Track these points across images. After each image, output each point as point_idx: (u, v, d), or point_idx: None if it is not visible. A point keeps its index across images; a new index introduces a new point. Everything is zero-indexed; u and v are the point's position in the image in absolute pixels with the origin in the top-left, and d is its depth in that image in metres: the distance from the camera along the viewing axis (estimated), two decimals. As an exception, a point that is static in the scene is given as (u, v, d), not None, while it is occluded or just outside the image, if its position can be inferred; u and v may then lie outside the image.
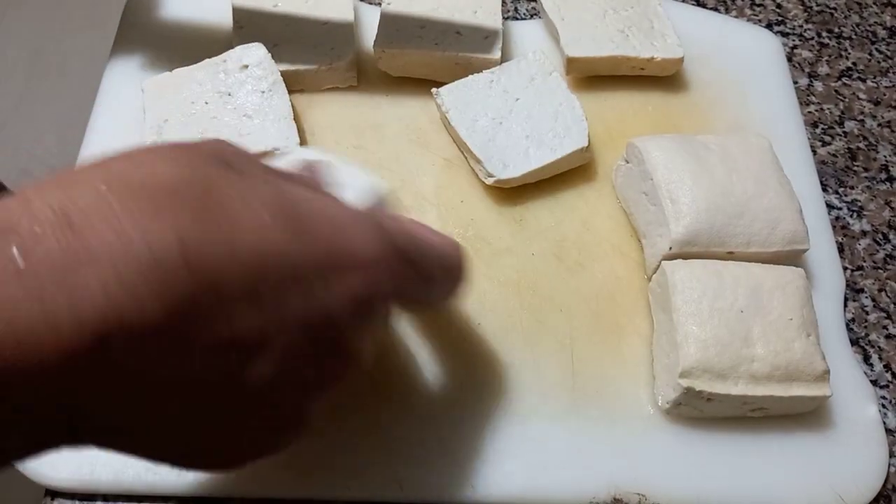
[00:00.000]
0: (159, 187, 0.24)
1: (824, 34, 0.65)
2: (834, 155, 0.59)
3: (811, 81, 0.63)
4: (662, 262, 0.47)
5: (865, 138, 0.60)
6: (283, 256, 0.26)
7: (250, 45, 0.53)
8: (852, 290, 0.52)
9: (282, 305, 0.26)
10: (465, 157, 0.53)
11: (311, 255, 0.27)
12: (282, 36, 0.55)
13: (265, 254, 0.26)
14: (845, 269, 0.53)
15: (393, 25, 0.56)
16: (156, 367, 0.24)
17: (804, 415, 0.45)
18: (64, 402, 0.23)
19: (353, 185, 0.37)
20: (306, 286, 0.27)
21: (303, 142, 0.52)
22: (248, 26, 0.56)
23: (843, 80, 0.63)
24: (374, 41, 0.55)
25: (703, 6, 0.66)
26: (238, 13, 0.56)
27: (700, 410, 0.44)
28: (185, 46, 0.57)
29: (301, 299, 0.27)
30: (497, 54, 0.55)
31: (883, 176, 0.58)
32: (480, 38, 0.55)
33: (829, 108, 0.61)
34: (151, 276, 0.23)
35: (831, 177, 0.57)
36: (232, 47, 0.54)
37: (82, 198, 0.23)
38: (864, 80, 0.63)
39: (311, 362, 0.28)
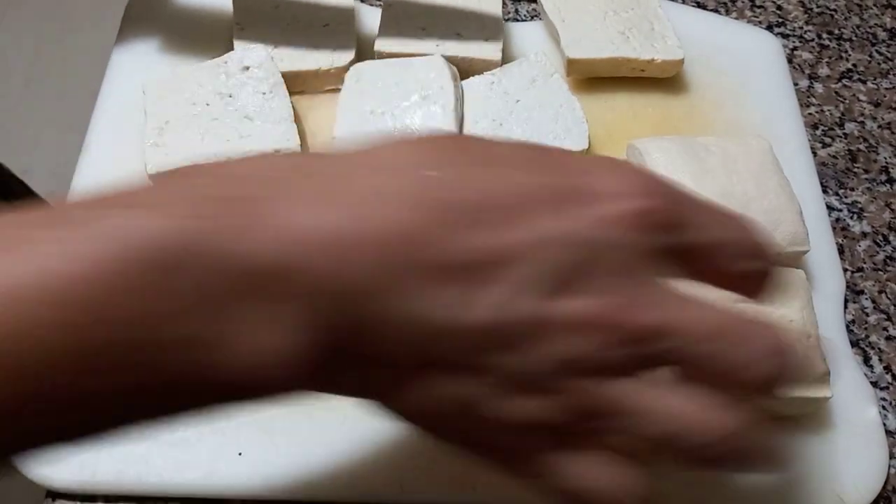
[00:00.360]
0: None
1: (825, 36, 0.66)
2: (834, 156, 0.59)
3: (811, 83, 0.63)
4: None
5: (866, 140, 0.60)
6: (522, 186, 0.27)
7: (251, 46, 0.53)
8: (852, 292, 0.52)
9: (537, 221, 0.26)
10: (466, 159, 0.53)
11: (554, 182, 0.27)
12: (283, 37, 0.55)
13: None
14: (845, 270, 0.53)
15: (394, 27, 0.56)
16: None
17: (804, 416, 0.45)
18: None
19: None
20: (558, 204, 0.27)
21: (304, 144, 0.52)
22: (249, 27, 0.56)
23: (844, 81, 0.63)
24: (375, 43, 0.55)
25: (704, 8, 0.66)
26: (239, 14, 0.56)
27: None
28: (186, 47, 0.57)
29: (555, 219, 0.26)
30: (498, 56, 0.55)
31: (883, 178, 0.58)
32: (481, 40, 0.56)
33: (829, 110, 0.61)
34: None
35: (831, 178, 0.58)
36: (233, 48, 0.55)
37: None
38: (864, 82, 0.63)
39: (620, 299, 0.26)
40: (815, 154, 0.58)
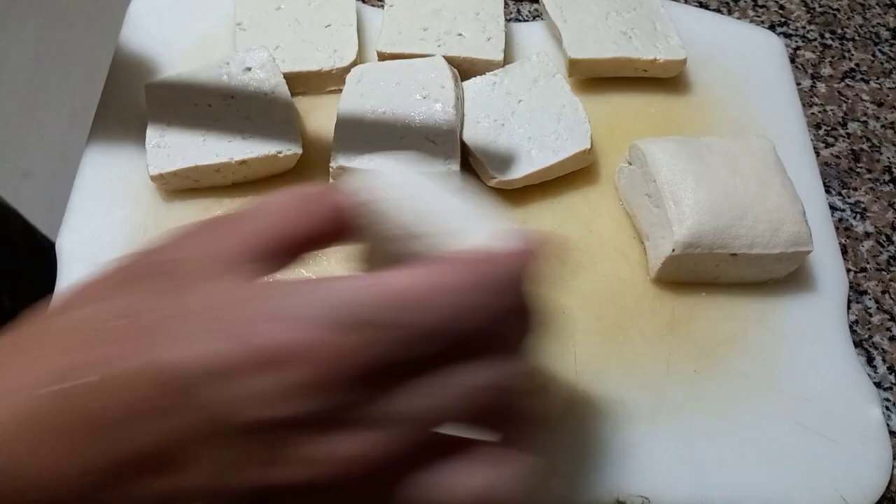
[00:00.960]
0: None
1: (827, 35, 0.65)
2: (837, 156, 0.58)
3: (814, 83, 0.62)
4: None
5: (869, 140, 0.59)
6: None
7: (253, 47, 0.53)
8: (856, 292, 0.52)
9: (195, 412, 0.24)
10: (468, 159, 0.52)
11: (183, 360, 0.24)
12: (284, 38, 0.55)
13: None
14: (848, 270, 0.53)
15: (396, 28, 0.56)
16: None
17: (805, 417, 0.45)
18: None
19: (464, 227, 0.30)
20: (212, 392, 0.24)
21: (305, 144, 0.52)
22: (251, 28, 0.56)
23: (847, 81, 0.63)
24: (378, 44, 0.55)
25: (706, 7, 0.65)
26: (241, 15, 0.56)
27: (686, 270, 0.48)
28: (188, 49, 0.57)
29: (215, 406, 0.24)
30: (500, 56, 0.55)
31: (886, 177, 0.58)
32: (483, 41, 0.55)
33: (832, 110, 0.61)
34: None
35: (834, 178, 0.57)
36: (235, 49, 0.55)
37: None
38: (867, 82, 0.63)
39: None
40: (817, 154, 0.58)
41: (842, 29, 0.66)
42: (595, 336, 0.47)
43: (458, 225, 0.30)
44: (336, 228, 0.30)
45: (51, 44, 1.67)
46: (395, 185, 0.31)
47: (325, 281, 0.26)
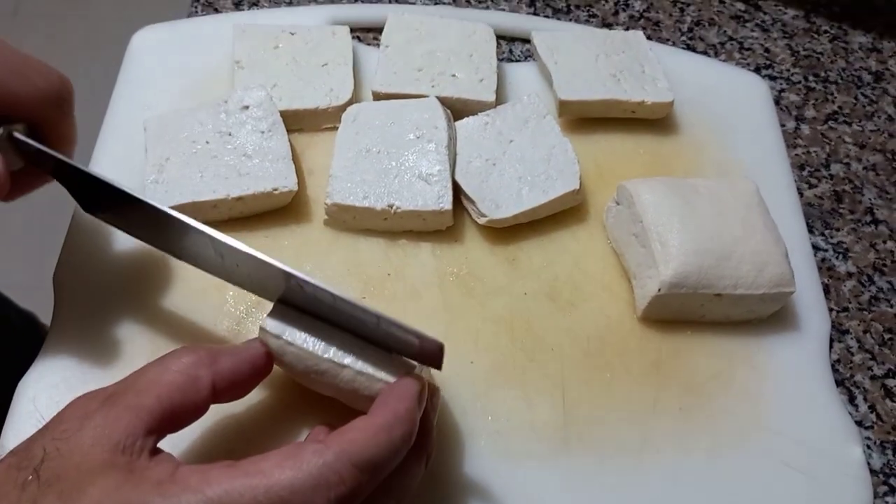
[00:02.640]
0: None
1: (811, 78, 0.67)
2: (820, 197, 0.60)
3: (798, 124, 0.64)
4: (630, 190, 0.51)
5: (851, 181, 0.61)
6: None
7: (251, 86, 0.54)
8: (838, 332, 0.53)
9: None
10: (460, 197, 0.54)
11: None
12: (282, 76, 0.57)
13: None
14: (831, 310, 0.54)
15: (391, 68, 0.57)
16: None
17: (788, 455, 0.46)
18: None
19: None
20: None
21: (301, 181, 0.53)
22: (249, 66, 0.57)
23: (830, 123, 0.64)
24: (373, 83, 0.56)
25: (693, 50, 0.67)
26: (240, 53, 0.57)
27: (672, 309, 0.49)
28: (187, 85, 0.58)
29: None
30: (492, 97, 0.56)
31: (868, 218, 0.59)
32: (476, 82, 0.57)
33: (815, 151, 0.63)
34: None
35: (817, 219, 0.59)
36: (233, 87, 0.56)
37: None
38: (849, 124, 0.64)
39: None
40: (801, 194, 0.59)
41: (825, 72, 0.68)
42: (583, 373, 0.48)
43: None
44: (220, 395, 0.36)
45: None
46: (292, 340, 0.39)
47: (194, 479, 0.31)
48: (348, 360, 0.39)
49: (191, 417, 0.35)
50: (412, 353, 0.39)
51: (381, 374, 0.39)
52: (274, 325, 0.39)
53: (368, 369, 0.39)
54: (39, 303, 0.50)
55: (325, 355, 0.39)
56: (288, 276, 0.38)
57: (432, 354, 0.38)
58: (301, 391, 0.43)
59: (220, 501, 0.30)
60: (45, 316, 0.49)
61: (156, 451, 0.33)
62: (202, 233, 0.40)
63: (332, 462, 0.32)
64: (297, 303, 0.40)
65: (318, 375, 0.39)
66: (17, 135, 0.40)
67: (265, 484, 0.31)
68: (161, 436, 0.34)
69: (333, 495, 0.31)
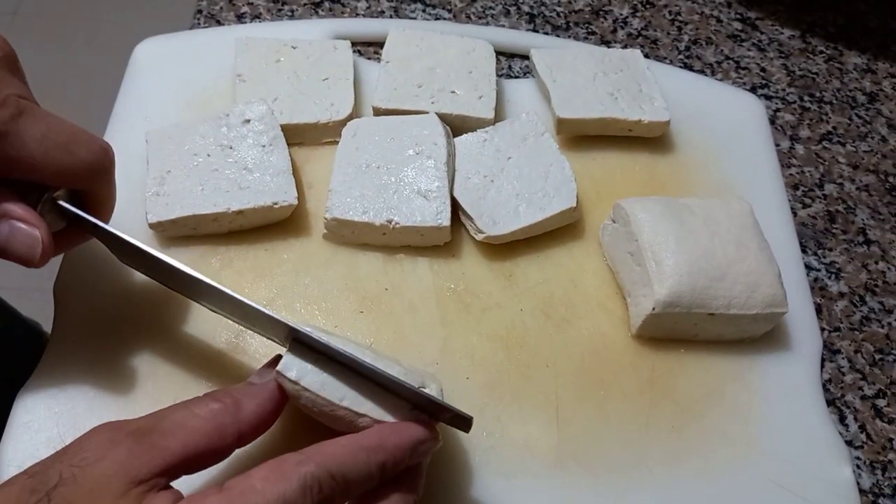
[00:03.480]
0: None
1: (806, 98, 0.68)
2: (814, 217, 0.61)
3: (793, 144, 0.65)
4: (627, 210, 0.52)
5: (844, 201, 0.62)
6: None
7: (252, 100, 0.54)
8: (829, 351, 0.54)
9: None
10: (458, 213, 0.54)
11: None
12: (283, 90, 0.57)
13: None
14: (823, 330, 0.54)
15: (391, 84, 0.58)
16: None
17: (778, 475, 0.47)
18: None
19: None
20: None
21: (301, 195, 0.53)
22: (250, 80, 0.58)
23: (824, 143, 0.65)
24: (373, 99, 0.57)
25: (690, 69, 0.68)
26: (241, 67, 0.58)
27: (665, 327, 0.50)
28: (188, 98, 0.59)
29: None
30: (491, 114, 0.57)
31: (861, 239, 0.60)
32: (475, 99, 0.58)
33: (809, 171, 0.63)
34: None
35: (810, 238, 0.59)
36: (235, 101, 0.56)
37: None
38: (843, 144, 0.65)
39: None
40: (795, 214, 0.60)
41: (820, 92, 0.68)
42: (577, 390, 0.49)
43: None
44: (244, 439, 0.37)
45: (52, 91, 1.68)
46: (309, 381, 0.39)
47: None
48: (366, 408, 0.39)
49: (211, 463, 0.36)
50: (437, 418, 0.40)
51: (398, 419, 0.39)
52: (290, 369, 0.39)
53: (387, 418, 0.39)
54: (47, 309, 0.51)
55: (342, 403, 0.39)
56: (307, 336, 0.39)
57: (460, 423, 0.40)
58: (302, 419, 0.43)
59: None
60: (49, 324, 0.49)
61: (166, 487, 0.34)
62: (225, 294, 0.41)
63: (313, 471, 0.34)
64: (314, 347, 0.40)
65: (333, 421, 0.40)
66: (61, 202, 0.42)
67: (261, 501, 0.32)
68: (177, 477, 0.35)
69: (315, 501, 0.33)
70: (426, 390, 0.39)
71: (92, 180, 0.41)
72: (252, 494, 0.32)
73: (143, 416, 0.36)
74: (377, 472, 0.36)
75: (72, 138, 0.40)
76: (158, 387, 0.46)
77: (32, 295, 0.49)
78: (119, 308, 0.49)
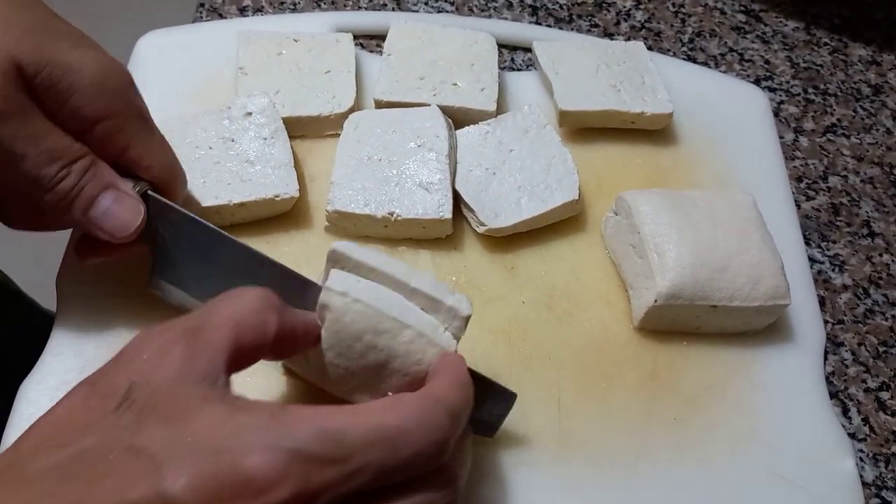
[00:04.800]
0: None
1: (810, 91, 0.68)
2: (817, 209, 0.60)
3: (797, 136, 0.65)
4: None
5: (848, 194, 0.61)
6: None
7: (254, 93, 0.54)
8: (833, 344, 0.54)
9: None
10: (460, 206, 0.54)
11: (187, 489, 0.27)
12: (285, 83, 0.57)
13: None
14: (826, 322, 0.54)
15: (393, 77, 0.58)
16: None
17: (781, 467, 0.46)
18: None
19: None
20: None
21: (302, 187, 0.53)
22: (252, 73, 0.58)
23: (828, 135, 0.65)
24: (375, 92, 0.57)
25: (694, 61, 0.68)
26: (243, 60, 0.58)
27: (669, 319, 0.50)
28: (190, 91, 0.59)
29: None
30: (493, 107, 0.57)
31: (864, 231, 0.59)
32: (477, 91, 0.57)
33: (813, 164, 0.63)
34: None
35: (814, 231, 0.59)
36: (236, 93, 0.56)
37: None
38: (848, 137, 0.65)
39: None
40: (798, 206, 0.60)
41: (825, 84, 0.68)
42: (579, 382, 0.49)
43: (409, 345, 0.38)
44: (294, 340, 0.36)
45: None
46: (358, 296, 0.38)
47: (306, 412, 0.30)
48: (412, 319, 0.38)
49: (251, 361, 0.34)
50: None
51: (440, 340, 0.39)
52: (340, 283, 0.38)
53: (427, 332, 0.38)
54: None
55: (391, 313, 0.38)
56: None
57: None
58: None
59: (337, 434, 0.29)
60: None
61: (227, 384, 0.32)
62: (299, 277, 0.41)
63: (431, 407, 0.32)
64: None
65: (374, 337, 0.38)
66: (150, 192, 0.44)
67: (376, 422, 0.30)
68: (231, 374, 0.33)
69: (433, 439, 0.32)
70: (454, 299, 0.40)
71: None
72: (366, 415, 0.30)
73: (191, 315, 0.34)
74: (468, 410, 0.35)
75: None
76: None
77: (52, 289, 0.50)
78: (122, 299, 0.49)
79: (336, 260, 0.40)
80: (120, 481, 0.27)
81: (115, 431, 0.28)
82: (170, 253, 0.44)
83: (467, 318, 0.40)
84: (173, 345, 0.31)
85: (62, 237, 0.52)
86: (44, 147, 0.39)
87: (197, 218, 0.44)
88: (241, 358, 0.33)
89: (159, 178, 0.44)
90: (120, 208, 0.41)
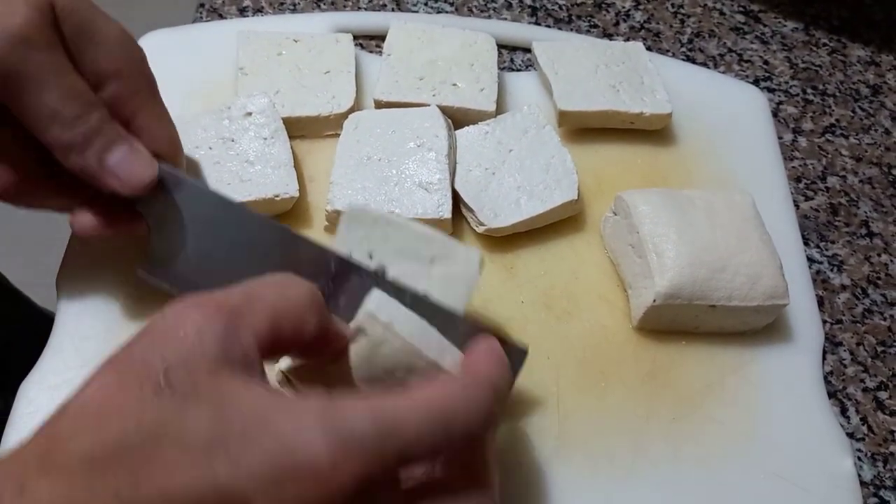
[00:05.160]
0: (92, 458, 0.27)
1: (809, 91, 0.68)
2: (816, 210, 0.61)
3: (795, 137, 0.65)
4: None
5: (847, 194, 0.62)
6: (214, 486, 0.26)
7: (254, 93, 0.54)
8: (831, 344, 0.54)
9: None
10: (460, 205, 0.54)
11: (242, 477, 0.26)
12: (285, 83, 0.57)
13: (196, 488, 0.26)
14: (825, 322, 0.54)
15: (393, 77, 0.58)
16: None
17: (779, 466, 0.47)
18: None
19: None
20: None
21: (302, 187, 0.53)
22: (252, 73, 0.58)
23: (827, 136, 0.65)
24: (374, 92, 0.57)
25: (693, 62, 0.68)
26: (243, 60, 0.58)
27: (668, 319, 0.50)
28: (190, 91, 0.59)
29: None
30: (492, 107, 0.57)
31: (863, 231, 0.60)
32: (476, 91, 0.58)
33: (812, 164, 0.63)
34: None
35: (813, 231, 0.59)
36: (236, 93, 0.56)
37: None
38: (846, 137, 0.65)
39: None
40: (797, 206, 0.60)
41: (823, 85, 0.68)
42: (578, 382, 0.49)
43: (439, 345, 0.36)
44: (321, 346, 0.34)
45: None
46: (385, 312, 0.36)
47: (355, 396, 0.29)
48: (448, 361, 0.36)
49: (279, 355, 0.33)
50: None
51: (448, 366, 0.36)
52: (383, 311, 0.35)
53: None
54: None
55: (429, 355, 0.35)
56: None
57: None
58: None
59: (391, 416, 0.28)
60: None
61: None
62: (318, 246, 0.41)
63: (477, 384, 0.31)
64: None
65: (406, 374, 0.36)
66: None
67: (426, 402, 0.29)
68: (270, 358, 0.32)
69: (481, 416, 0.31)
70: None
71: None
72: (409, 399, 0.29)
73: (228, 291, 0.32)
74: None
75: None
76: (160, 378, 0.47)
77: (51, 290, 0.50)
78: (122, 299, 0.49)
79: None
80: (167, 468, 0.26)
81: (156, 416, 0.27)
82: (169, 233, 0.43)
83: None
84: (212, 323, 0.30)
85: (62, 237, 0.52)
86: (68, 81, 0.39)
87: (212, 189, 0.43)
88: (272, 350, 0.32)
89: (163, 150, 0.44)
90: (135, 159, 0.42)
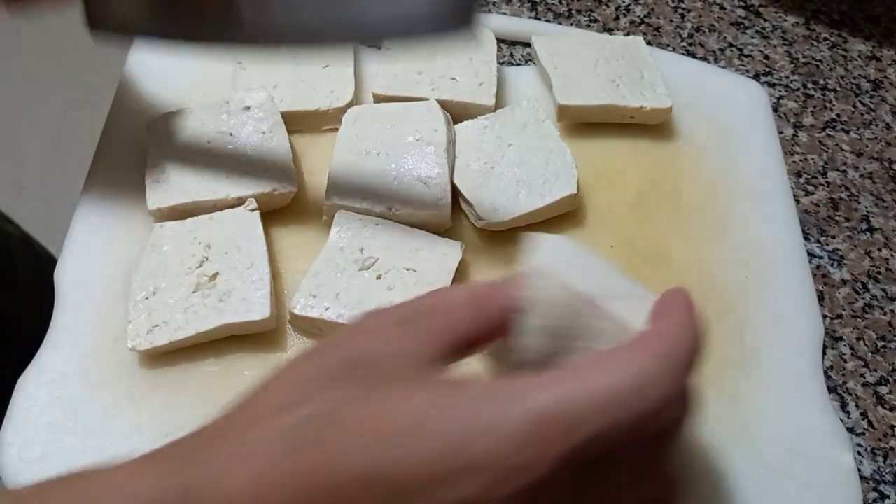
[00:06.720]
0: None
1: (810, 86, 0.68)
2: (816, 204, 0.60)
3: (796, 131, 0.64)
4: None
5: (847, 189, 0.61)
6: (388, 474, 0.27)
7: (253, 87, 0.54)
8: (831, 338, 0.54)
9: None
10: (458, 200, 0.54)
11: (415, 466, 0.27)
12: (283, 78, 0.57)
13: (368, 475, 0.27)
14: (825, 317, 0.54)
15: (391, 71, 0.58)
16: None
17: (779, 461, 0.46)
18: None
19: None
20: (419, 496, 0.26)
21: (300, 181, 0.53)
22: (250, 67, 0.58)
23: (827, 131, 0.65)
24: (373, 86, 0.57)
25: (693, 56, 0.68)
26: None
27: None
28: (189, 86, 0.59)
29: None
30: (491, 101, 0.57)
31: (864, 226, 0.59)
32: (476, 85, 0.57)
33: (812, 159, 0.63)
34: None
35: (813, 226, 0.59)
36: (235, 88, 0.56)
37: None
38: (847, 132, 0.65)
39: None
40: (797, 201, 0.60)
41: (824, 80, 0.68)
42: (577, 376, 0.49)
43: (619, 312, 0.32)
44: (502, 327, 0.33)
45: (53, 78, 1.68)
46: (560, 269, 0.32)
47: (523, 386, 0.28)
48: (637, 314, 0.31)
49: (465, 353, 0.33)
50: None
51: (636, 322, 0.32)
52: (550, 262, 0.32)
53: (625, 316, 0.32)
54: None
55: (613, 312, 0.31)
56: None
57: None
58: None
59: (573, 402, 0.27)
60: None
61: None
62: None
63: (661, 359, 0.29)
64: None
65: (564, 340, 0.32)
66: None
67: (606, 384, 0.27)
68: (449, 364, 0.32)
69: (666, 394, 0.28)
70: None
71: None
72: (577, 381, 0.28)
73: (404, 307, 0.33)
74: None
75: None
76: (159, 372, 0.47)
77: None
78: (120, 294, 0.49)
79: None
80: (343, 456, 0.27)
81: (341, 395, 0.29)
82: None
83: None
84: (385, 331, 0.31)
85: (61, 234, 0.52)
86: None
87: None
88: (466, 344, 0.32)
89: None
90: None
